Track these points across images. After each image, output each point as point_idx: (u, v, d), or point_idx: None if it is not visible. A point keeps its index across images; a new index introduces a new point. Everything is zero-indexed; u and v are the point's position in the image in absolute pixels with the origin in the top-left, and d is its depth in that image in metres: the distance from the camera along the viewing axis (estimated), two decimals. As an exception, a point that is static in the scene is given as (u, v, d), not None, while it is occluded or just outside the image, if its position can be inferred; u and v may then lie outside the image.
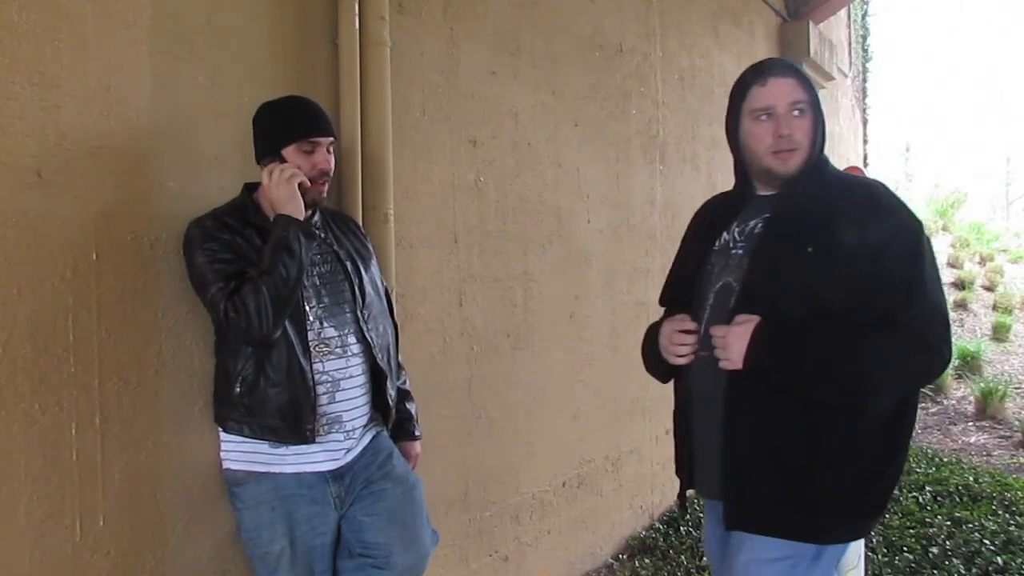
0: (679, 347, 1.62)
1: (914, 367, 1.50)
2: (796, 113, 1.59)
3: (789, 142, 1.59)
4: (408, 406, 2.14)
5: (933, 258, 1.52)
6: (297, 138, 1.82)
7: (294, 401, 1.78)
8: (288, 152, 1.82)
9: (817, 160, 1.62)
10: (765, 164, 1.63)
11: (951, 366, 8.05)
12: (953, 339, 1.54)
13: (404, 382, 2.16)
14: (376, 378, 1.95)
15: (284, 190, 1.76)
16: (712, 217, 1.77)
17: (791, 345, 1.50)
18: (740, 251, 1.63)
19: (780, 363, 1.50)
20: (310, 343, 1.81)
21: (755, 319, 1.52)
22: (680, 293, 1.74)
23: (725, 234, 1.68)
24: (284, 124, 1.84)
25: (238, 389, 1.77)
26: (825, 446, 1.52)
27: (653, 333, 1.75)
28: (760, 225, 1.62)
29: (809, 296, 1.50)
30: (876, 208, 1.53)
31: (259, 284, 1.68)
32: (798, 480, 1.53)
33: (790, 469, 1.53)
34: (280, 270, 1.70)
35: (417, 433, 2.16)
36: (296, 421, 1.78)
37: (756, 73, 1.64)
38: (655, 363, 1.75)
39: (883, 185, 1.60)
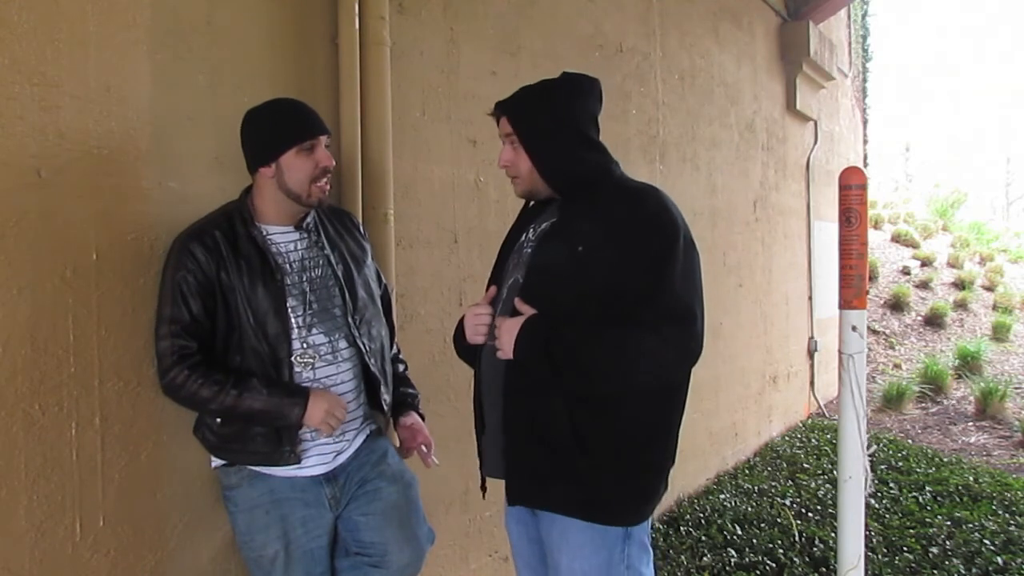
0: (476, 327, 1.75)
1: (652, 361, 1.58)
2: (512, 147, 1.75)
3: (509, 172, 1.77)
4: (407, 389, 2.13)
5: (689, 261, 1.64)
6: (297, 141, 1.79)
7: (274, 428, 1.78)
8: (289, 156, 1.79)
9: (583, 171, 1.72)
10: None
11: (950, 366, 8.06)
12: (704, 338, 1.64)
13: (404, 369, 2.16)
14: (370, 383, 1.94)
15: (327, 423, 1.78)
16: (523, 216, 1.88)
17: (547, 339, 1.60)
18: (529, 250, 1.76)
19: (539, 356, 1.61)
20: (294, 352, 1.80)
21: (529, 313, 1.64)
22: (492, 286, 1.86)
23: (525, 233, 1.82)
24: (281, 128, 1.81)
25: (218, 419, 1.78)
26: (583, 433, 1.63)
27: (462, 320, 1.86)
28: (546, 226, 1.75)
29: (576, 293, 1.63)
30: (637, 214, 1.65)
31: (218, 393, 1.70)
32: (564, 462, 1.65)
33: (556, 451, 1.65)
34: (232, 411, 1.73)
35: (419, 408, 2.14)
36: (278, 445, 1.78)
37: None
38: (461, 346, 1.87)
39: (654, 192, 1.70)
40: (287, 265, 1.83)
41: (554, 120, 1.72)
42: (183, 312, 1.72)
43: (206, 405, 1.73)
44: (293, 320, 1.80)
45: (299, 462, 1.81)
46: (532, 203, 1.86)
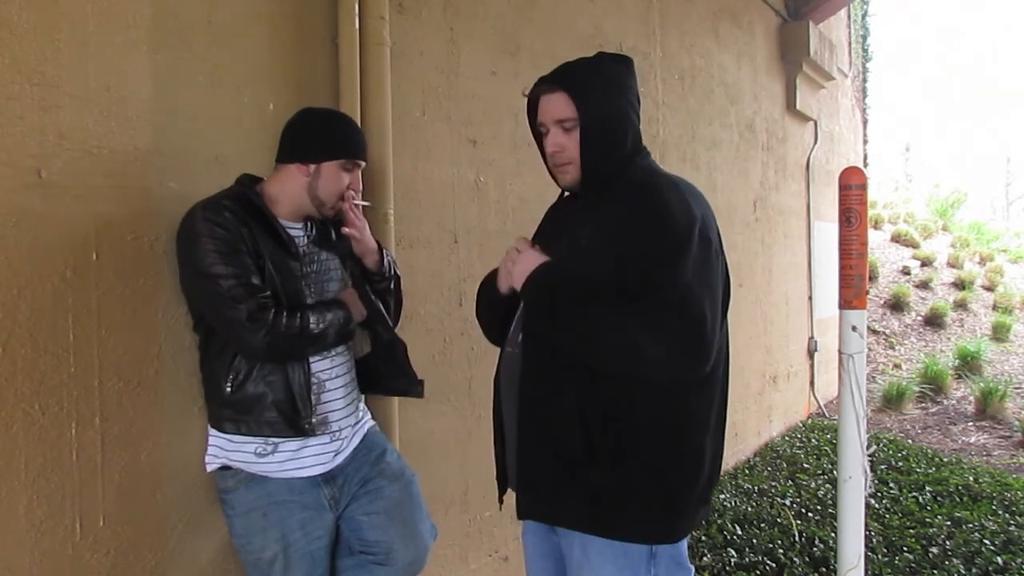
0: (508, 272, 1.64)
1: (652, 350, 1.45)
2: (563, 130, 1.61)
3: (560, 158, 1.63)
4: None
5: (705, 259, 1.51)
6: (348, 156, 1.86)
7: (291, 395, 1.78)
8: (332, 166, 1.84)
9: (618, 161, 1.62)
10: (553, 175, 1.69)
11: (950, 365, 8.06)
12: (714, 344, 1.50)
13: None
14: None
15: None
16: (551, 214, 1.81)
17: (556, 287, 1.53)
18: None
19: (543, 300, 1.54)
20: None
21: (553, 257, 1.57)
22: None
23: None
24: (340, 138, 1.87)
25: (229, 388, 1.76)
26: (597, 443, 1.54)
27: (488, 278, 1.79)
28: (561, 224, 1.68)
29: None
30: (646, 210, 1.53)
31: (307, 319, 1.75)
32: (578, 474, 1.56)
33: (570, 462, 1.56)
34: (325, 333, 1.79)
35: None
36: (294, 414, 1.78)
37: (534, 89, 1.66)
38: (486, 310, 1.82)
39: (668, 186, 1.58)
40: None
41: (620, 105, 1.62)
42: (237, 261, 1.69)
43: (305, 334, 1.75)
44: None
45: (314, 433, 1.81)
46: (558, 202, 1.77)
